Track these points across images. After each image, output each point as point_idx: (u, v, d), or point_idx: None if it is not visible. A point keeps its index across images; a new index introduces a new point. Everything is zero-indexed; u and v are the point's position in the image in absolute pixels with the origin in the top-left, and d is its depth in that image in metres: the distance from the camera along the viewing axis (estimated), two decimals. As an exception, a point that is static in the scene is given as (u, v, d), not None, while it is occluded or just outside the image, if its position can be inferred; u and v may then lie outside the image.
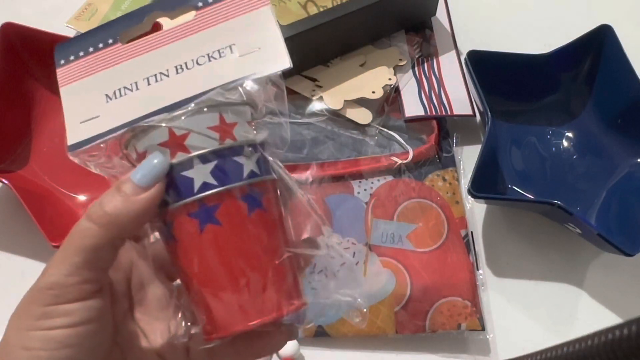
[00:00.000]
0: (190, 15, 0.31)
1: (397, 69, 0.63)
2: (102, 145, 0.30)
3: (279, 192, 0.30)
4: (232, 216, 0.28)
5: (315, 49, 0.60)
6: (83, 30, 0.63)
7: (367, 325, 0.50)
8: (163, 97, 0.30)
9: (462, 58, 0.62)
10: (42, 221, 0.49)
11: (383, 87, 0.60)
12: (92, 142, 0.30)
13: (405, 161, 0.57)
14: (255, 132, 0.30)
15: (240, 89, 0.29)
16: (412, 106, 0.60)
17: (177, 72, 0.30)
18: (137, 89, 0.30)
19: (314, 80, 0.61)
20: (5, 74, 0.56)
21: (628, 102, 0.58)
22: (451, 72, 0.63)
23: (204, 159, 0.28)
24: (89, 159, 0.31)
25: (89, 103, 0.30)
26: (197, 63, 0.30)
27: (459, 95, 0.61)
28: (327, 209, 0.55)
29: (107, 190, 0.27)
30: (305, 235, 0.31)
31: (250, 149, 0.29)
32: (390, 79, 0.61)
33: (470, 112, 0.60)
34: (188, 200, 0.27)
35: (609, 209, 0.56)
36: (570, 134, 0.61)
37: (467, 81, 0.62)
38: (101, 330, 0.27)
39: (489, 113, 0.56)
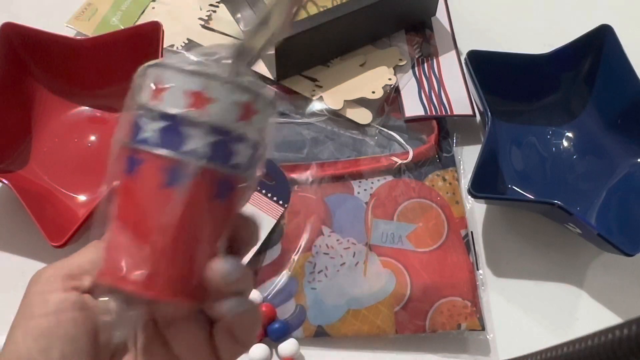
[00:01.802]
0: None
1: (397, 69, 0.63)
2: None
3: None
4: (198, 192, 0.27)
5: (315, 49, 0.60)
6: (83, 30, 0.64)
7: (367, 325, 0.50)
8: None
9: (462, 58, 0.62)
10: (42, 221, 0.49)
11: (383, 87, 0.60)
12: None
13: (405, 161, 0.57)
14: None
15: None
16: (412, 106, 0.60)
17: None
18: None
19: (314, 80, 0.61)
20: (5, 74, 0.56)
21: (628, 102, 0.58)
22: (451, 72, 0.63)
23: (213, 129, 0.27)
24: None
25: None
26: None
27: (459, 95, 0.61)
28: (327, 209, 0.55)
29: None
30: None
31: (255, 142, 0.28)
32: (390, 79, 0.61)
33: (470, 112, 0.60)
34: (172, 154, 0.27)
35: (609, 209, 0.56)
36: (570, 134, 0.61)
37: (467, 81, 0.62)
38: (79, 323, 0.28)
39: (489, 113, 0.56)
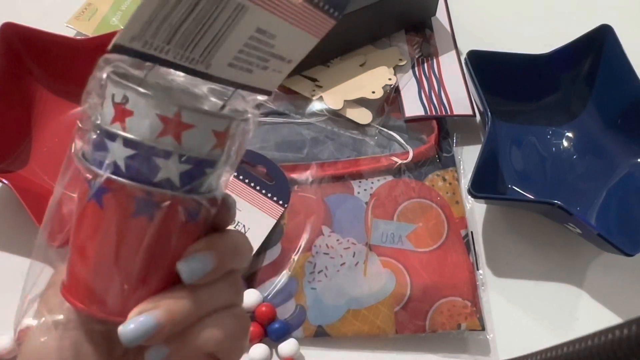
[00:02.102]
0: None
1: (397, 69, 0.63)
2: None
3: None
4: (119, 208, 0.26)
5: (315, 49, 0.60)
6: (83, 30, 0.64)
7: (367, 325, 0.50)
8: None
9: (462, 58, 0.62)
10: (42, 221, 0.49)
11: (383, 87, 0.60)
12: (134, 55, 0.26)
13: (405, 161, 0.57)
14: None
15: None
16: (412, 106, 0.60)
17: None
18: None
19: (314, 80, 0.61)
20: (5, 74, 0.56)
21: (628, 102, 0.58)
22: (451, 72, 0.63)
23: (185, 158, 0.25)
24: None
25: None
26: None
27: (459, 95, 0.61)
28: (327, 209, 0.55)
29: None
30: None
31: (220, 164, 0.27)
32: (390, 79, 0.61)
33: (470, 112, 0.60)
34: (146, 185, 0.25)
35: (609, 209, 0.56)
36: (570, 134, 0.61)
37: (467, 81, 0.62)
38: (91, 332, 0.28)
39: (489, 113, 0.56)
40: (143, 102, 0.25)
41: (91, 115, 0.26)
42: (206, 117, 0.26)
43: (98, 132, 0.25)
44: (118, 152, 0.25)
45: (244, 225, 0.52)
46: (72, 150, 0.27)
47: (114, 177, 0.25)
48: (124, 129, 0.25)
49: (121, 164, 0.25)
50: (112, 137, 0.25)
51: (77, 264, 0.27)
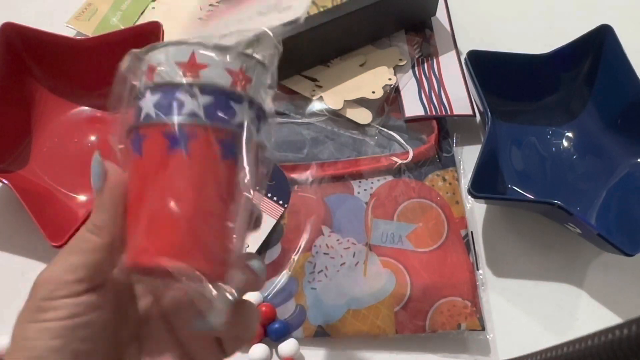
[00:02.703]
0: None
1: (397, 69, 0.63)
2: None
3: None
4: (202, 153, 0.27)
5: (315, 49, 0.61)
6: (83, 30, 0.64)
7: (367, 325, 0.50)
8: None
9: (462, 58, 0.62)
10: (42, 221, 0.49)
11: (383, 87, 0.60)
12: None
13: (405, 161, 0.57)
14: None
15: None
16: (412, 106, 0.60)
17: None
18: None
19: (314, 80, 0.61)
20: (5, 74, 0.56)
21: (628, 102, 0.58)
22: (451, 72, 0.63)
23: (205, 90, 0.28)
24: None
25: None
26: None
27: (459, 95, 0.61)
28: (327, 209, 0.55)
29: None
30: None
31: (244, 101, 0.28)
32: (390, 79, 0.61)
33: (470, 112, 0.60)
34: (168, 120, 0.27)
35: (609, 209, 0.56)
36: (570, 134, 0.61)
37: (467, 81, 0.62)
38: (92, 324, 0.28)
39: (489, 113, 0.56)
40: (164, 53, 0.28)
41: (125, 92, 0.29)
42: (216, 54, 0.28)
43: (162, 88, 0.28)
44: (196, 101, 0.27)
45: (244, 225, 0.52)
46: (136, 115, 0.28)
47: (203, 122, 0.27)
48: (196, 78, 0.28)
49: (199, 111, 0.27)
50: (187, 88, 0.27)
51: (160, 221, 0.27)
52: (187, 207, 0.27)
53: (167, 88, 0.28)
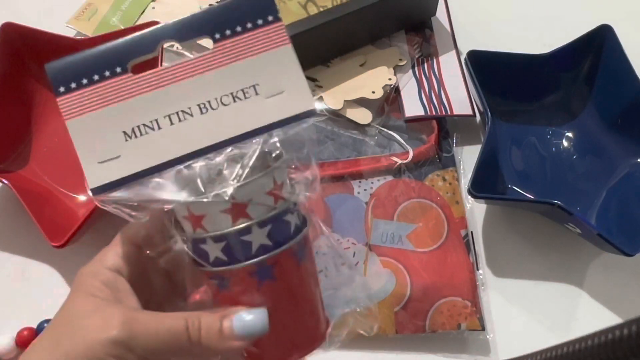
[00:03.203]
0: (208, 44, 0.30)
1: (397, 69, 0.63)
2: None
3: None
4: (286, 271, 0.31)
5: (315, 49, 0.60)
6: (83, 30, 0.63)
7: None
8: (192, 140, 0.29)
9: (462, 58, 0.62)
10: (42, 221, 0.49)
11: (383, 87, 0.60)
12: (119, 185, 0.29)
13: (405, 161, 0.57)
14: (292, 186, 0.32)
15: (277, 143, 0.30)
16: (412, 106, 0.60)
17: (202, 112, 0.30)
18: (160, 127, 0.29)
19: (314, 80, 0.61)
20: (5, 74, 0.56)
21: (628, 102, 0.58)
22: (451, 72, 0.63)
23: (262, 223, 0.29)
24: (118, 206, 0.29)
25: (106, 141, 0.29)
26: (222, 103, 0.30)
27: (459, 95, 0.61)
28: (327, 209, 0.55)
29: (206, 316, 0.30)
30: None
31: (294, 205, 0.31)
32: (390, 79, 0.61)
33: (470, 112, 0.60)
34: (247, 263, 0.30)
35: (609, 209, 0.56)
36: (570, 134, 0.61)
37: (467, 81, 0.62)
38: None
39: (489, 113, 0.56)
40: (252, 190, 0.30)
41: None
42: (247, 188, 0.29)
43: (225, 240, 0.30)
44: (258, 236, 0.30)
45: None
46: (202, 263, 0.30)
47: (275, 250, 0.30)
48: (207, 231, 0.30)
49: (266, 241, 0.30)
50: (247, 231, 0.29)
51: (277, 333, 0.31)
52: (295, 316, 0.32)
53: (275, 217, 0.30)
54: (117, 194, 0.29)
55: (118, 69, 0.29)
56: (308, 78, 0.61)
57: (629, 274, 0.55)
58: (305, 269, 0.32)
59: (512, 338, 0.51)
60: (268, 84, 0.30)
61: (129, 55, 0.29)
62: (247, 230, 0.29)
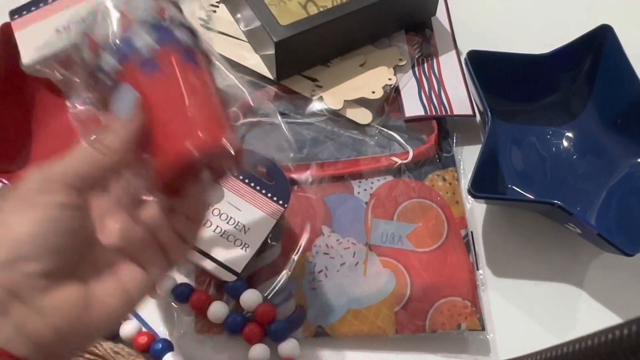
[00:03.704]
0: None
1: (397, 69, 0.63)
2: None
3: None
4: (171, 67, 0.34)
5: (315, 49, 0.60)
6: (83, 30, 0.64)
7: (367, 325, 0.50)
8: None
9: (462, 58, 0.62)
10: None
11: (383, 87, 0.60)
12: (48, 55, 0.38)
13: (405, 161, 0.57)
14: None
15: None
16: (412, 106, 0.60)
17: None
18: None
19: (314, 80, 0.61)
20: (5, 74, 0.56)
21: (628, 102, 0.58)
22: (451, 72, 0.63)
23: (143, 23, 0.35)
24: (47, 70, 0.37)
25: (42, 35, 0.39)
26: None
27: (459, 95, 0.61)
28: (327, 209, 0.55)
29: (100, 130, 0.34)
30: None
31: (180, 25, 0.36)
32: (390, 79, 0.61)
33: (470, 112, 0.60)
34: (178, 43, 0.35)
35: (609, 209, 0.56)
36: (570, 134, 0.61)
37: (467, 81, 0.62)
38: (71, 222, 0.31)
39: (489, 113, 0.56)
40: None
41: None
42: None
43: (158, 27, 0.35)
44: (181, 33, 0.35)
45: (244, 225, 0.52)
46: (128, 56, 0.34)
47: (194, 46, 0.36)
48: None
49: (187, 38, 0.35)
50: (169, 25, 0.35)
51: (174, 121, 0.33)
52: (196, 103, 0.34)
53: (159, 24, 0.35)
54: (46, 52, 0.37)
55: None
56: (308, 78, 0.61)
57: (629, 274, 0.55)
58: (194, 73, 0.35)
59: (512, 338, 0.51)
60: None
61: None
62: (171, 24, 0.35)
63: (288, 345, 0.49)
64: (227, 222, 0.52)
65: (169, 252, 0.35)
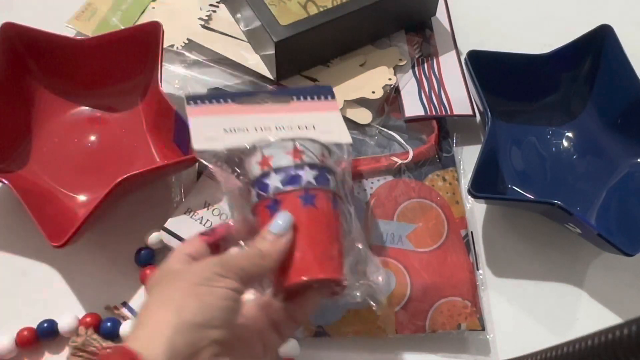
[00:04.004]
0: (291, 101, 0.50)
1: (397, 69, 0.63)
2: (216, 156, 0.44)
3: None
4: (323, 205, 0.41)
5: (315, 49, 0.61)
6: (83, 30, 0.63)
7: (367, 326, 0.50)
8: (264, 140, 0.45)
9: (462, 58, 0.62)
10: (42, 221, 0.49)
11: (383, 87, 0.60)
12: (213, 150, 0.45)
13: (405, 161, 0.57)
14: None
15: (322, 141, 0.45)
16: (412, 106, 0.60)
17: (278, 129, 0.47)
18: (248, 132, 0.46)
19: (314, 80, 0.61)
20: (5, 74, 0.56)
21: (628, 102, 0.58)
22: (451, 72, 0.63)
23: (312, 166, 0.42)
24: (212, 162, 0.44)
25: (212, 129, 0.46)
26: (292, 129, 0.47)
27: (459, 95, 0.61)
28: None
29: (257, 238, 0.40)
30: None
31: (331, 172, 0.44)
32: (390, 79, 0.61)
33: (470, 112, 0.60)
34: (298, 187, 0.41)
35: (609, 209, 0.56)
36: (570, 134, 0.61)
37: (467, 81, 0.62)
38: (243, 309, 0.38)
39: (489, 113, 0.56)
40: (274, 148, 0.43)
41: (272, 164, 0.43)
42: (309, 143, 0.44)
43: (284, 171, 0.42)
44: (308, 174, 0.42)
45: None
46: (262, 196, 0.42)
47: (318, 187, 0.42)
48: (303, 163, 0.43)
49: (312, 179, 0.42)
50: (300, 167, 0.42)
51: (307, 251, 0.40)
52: (325, 241, 0.41)
53: (320, 167, 0.43)
54: (214, 146, 0.45)
55: (229, 100, 0.49)
56: (308, 78, 0.61)
57: (629, 274, 0.55)
58: (337, 216, 0.43)
59: (512, 338, 0.51)
60: (322, 126, 0.49)
61: (233, 97, 0.50)
62: (300, 167, 0.42)
63: (288, 345, 0.49)
64: (220, 218, 0.52)
65: (282, 331, 0.41)
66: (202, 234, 0.40)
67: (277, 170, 0.42)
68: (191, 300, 0.34)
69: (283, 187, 0.41)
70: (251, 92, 0.53)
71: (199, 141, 0.45)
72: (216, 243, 0.40)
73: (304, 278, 0.39)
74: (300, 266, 0.40)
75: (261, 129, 0.46)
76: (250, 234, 0.41)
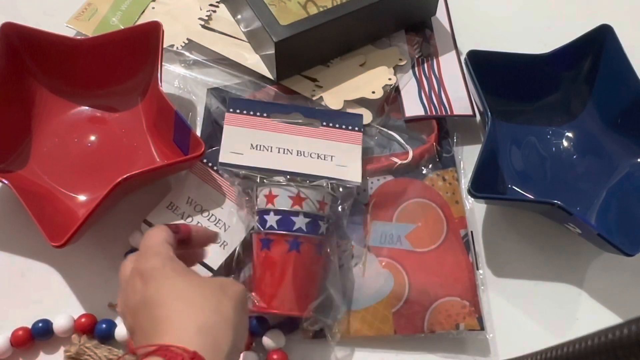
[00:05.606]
0: (318, 124, 0.56)
1: (397, 69, 0.63)
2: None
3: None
4: (307, 252, 0.48)
5: (315, 49, 0.60)
6: (83, 30, 0.63)
7: (366, 326, 0.50)
8: (284, 165, 0.53)
9: (462, 58, 0.62)
10: (42, 221, 0.49)
11: (383, 87, 0.60)
12: (235, 167, 0.53)
13: (405, 161, 0.57)
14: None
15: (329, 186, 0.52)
16: (412, 106, 0.60)
17: (298, 155, 0.54)
18: (271, 151, 0.54)
19: (314, 80, 0.61)
20: (5, 74, 0.56)
21: (628, 102, 0.58)
22: (451, 72, 0.63)
23: (306, 215, 0.48)
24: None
25: (240, 143, 0.53)
26: (311, 156, 0.54)
27: (459, 95, 0.61)
28: (327, 209, 0.55)
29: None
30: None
31: (326, 219, 0.50)
32: (390, 79, 0.61)
33: (470, 112, 0.60)
34: (288, 232, 0.48)
35: (609, 209, 0.56)
36: (570, 134, 0.61)
37: (467, 81, 0.62)
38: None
39: (489, 113, 0.56)
40: (311, 193, 0.49)
41: (259, 207, 0.50)
42: (311, 191, 0.49)
43: (281, 214, 0.48)
44: (300, 221, 0.48)
45: (224, 223, 0.52)
46: (259, 229, 0.49)
47: (306, 234, 0.48)
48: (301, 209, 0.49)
49: (303, 227, 0.48)
50: (296, 214, 0.48)
51: (276, 287, 0.48)
52: (301, 282, 0.48)
53: (315, 216, 0.49)
54: (237, 162, 0.53)
55: (265, 114, 0.55)
56: (308, 78, 0.61)
57: (629, 274, 0.55)
58: (319, 261, 0.49)
59: (512, 338, 0.51)
60: (340, 158, 0.54)
61: (273, 110, 0.56)
62: (296, 214, 0.48)
63: (271, 336, 0.49)
64: (208, 219, 0.52)
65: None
66: (170, 228, 0.41)
67: (276, 211, 0.48)
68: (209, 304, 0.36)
69: (277, 229, 0.48)
70: (288, 106, 0.57)
71: (226, 154, 0.52)
72: (182, 239, 0.41)
73: (276, 311, 0.47)
74: (278, 298, 0.47)
75: (283, 152, 0.53)
76: (208, 241, 0.45)
